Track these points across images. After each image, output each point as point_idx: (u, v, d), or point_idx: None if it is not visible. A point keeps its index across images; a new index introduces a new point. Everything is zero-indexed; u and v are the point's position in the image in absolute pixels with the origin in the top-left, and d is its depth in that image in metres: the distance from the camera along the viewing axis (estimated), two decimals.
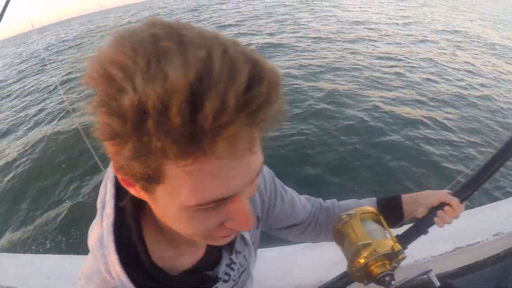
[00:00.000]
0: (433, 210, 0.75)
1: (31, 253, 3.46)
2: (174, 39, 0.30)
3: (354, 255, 0.70)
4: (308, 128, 4.95)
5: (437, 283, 0.70)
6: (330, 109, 5.43)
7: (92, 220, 0.51)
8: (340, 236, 0.76)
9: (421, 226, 0.76)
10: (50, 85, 9.15)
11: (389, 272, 0.69)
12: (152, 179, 0.34)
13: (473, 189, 0.76)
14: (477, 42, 10.34)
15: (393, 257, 0.69)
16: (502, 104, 5.81)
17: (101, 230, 0.46)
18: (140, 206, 0.48)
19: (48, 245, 3.59)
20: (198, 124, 0.28)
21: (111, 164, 0.43)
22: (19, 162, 5.35)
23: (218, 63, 0.29)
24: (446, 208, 0.74)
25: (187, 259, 0.54)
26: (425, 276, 0.72)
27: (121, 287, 0.45)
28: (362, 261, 0.69)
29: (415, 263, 1.21)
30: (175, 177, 0.33)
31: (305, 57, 8.19)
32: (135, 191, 0.40)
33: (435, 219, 0.74)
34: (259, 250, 0.76)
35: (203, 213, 0.38)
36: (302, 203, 0.81)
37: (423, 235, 0.76)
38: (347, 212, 0.75)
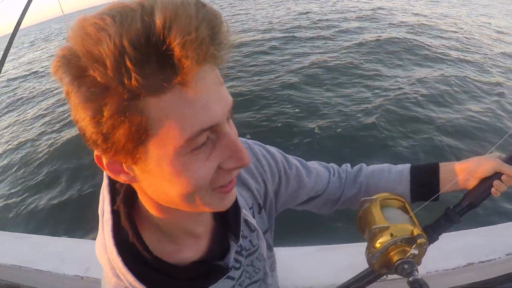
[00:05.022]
0: (487, 182, 0.70)
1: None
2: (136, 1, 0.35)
3: (370, 240, 0.69)
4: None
5: None
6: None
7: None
8: (362, 224, 0.75)
9: (474, 200, 0.71)
10: None
11: (408, 259, 0.67)
12: (140, 134, 0.36)
13: None
14: None
15: (412, 242, 0.67)
16: None
17: (103, 237, 0.49)
18: (132, 206, 0.51)
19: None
20: (162, 49, 0.33)
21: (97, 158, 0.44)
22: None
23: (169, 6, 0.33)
24: (503, 177, 0.68)
25: (189, 252, 0.54)
26: None
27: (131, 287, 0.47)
28: (378, 245, 0.67)
29: (427, 275, 1.19)
30: (161, 118, 0.36)
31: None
32: (125, 175, 0.41)
33: (492, 190, 0.69)
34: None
35: (197, 155, 0.39)
36: (314, 174, 0.77)
37: (455, 223, 0.72)
38: (367, 198, 0.75)
